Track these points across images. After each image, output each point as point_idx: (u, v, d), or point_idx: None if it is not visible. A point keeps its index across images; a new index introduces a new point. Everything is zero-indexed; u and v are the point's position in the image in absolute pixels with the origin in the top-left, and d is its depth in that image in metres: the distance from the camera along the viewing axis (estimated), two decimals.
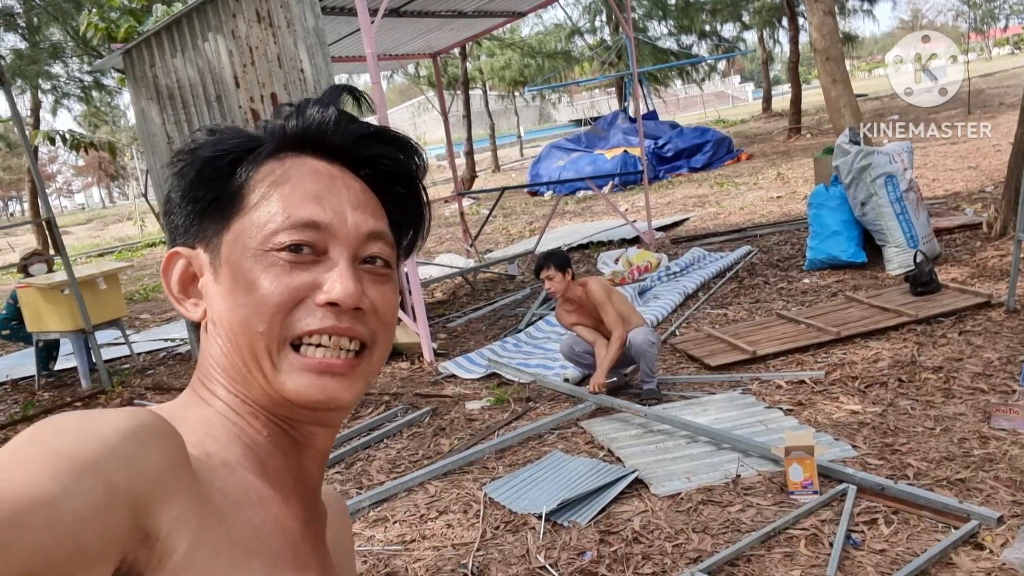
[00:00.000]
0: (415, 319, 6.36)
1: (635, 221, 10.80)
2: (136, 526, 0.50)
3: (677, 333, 6.24)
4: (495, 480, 3.99)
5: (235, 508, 0.60)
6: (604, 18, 25.98)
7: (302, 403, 0.67)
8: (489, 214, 11.23)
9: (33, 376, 7.53)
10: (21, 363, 8.28)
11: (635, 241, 10.28)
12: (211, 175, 0.69)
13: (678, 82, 33.08)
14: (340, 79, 9.03)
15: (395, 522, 3.74)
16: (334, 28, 8.63)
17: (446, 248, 12.81)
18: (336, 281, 0.66)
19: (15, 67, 14.38)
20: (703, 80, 30.54)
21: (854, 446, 3.82)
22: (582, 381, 5.27)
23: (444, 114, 10.92)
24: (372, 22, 5.91)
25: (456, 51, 22.07)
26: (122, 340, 7.95)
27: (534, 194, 19.77)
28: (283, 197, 0.68)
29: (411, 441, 4.79)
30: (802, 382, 4.75)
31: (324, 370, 0.66)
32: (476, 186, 23.30)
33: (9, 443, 0.50)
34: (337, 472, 4.49)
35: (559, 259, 5.00)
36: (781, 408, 4.44)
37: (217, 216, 0.69)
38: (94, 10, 12.05)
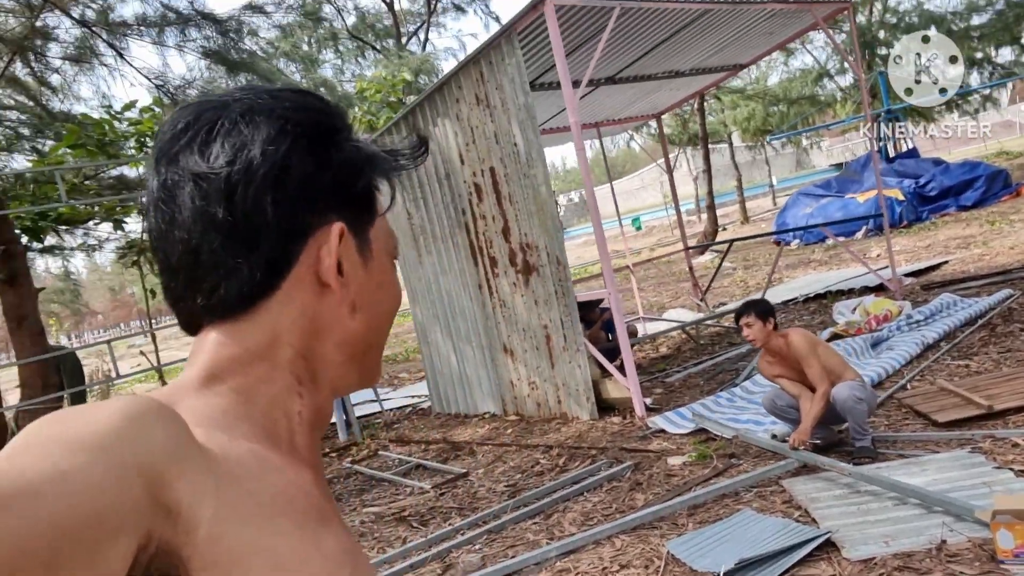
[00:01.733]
0: (625, 374, 6.46)
1: (881, 268, 10.07)
2: (154, 501, 0.50)
3: (908, 387, 5.75)
4: (681, 536, 3.97)
5: (253, 475, 0.61)
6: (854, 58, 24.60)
7: (375, 382, 0.80)
8: (718, 267, 11.04)
9: None
10: None
11: (879, 289, 9.58)
12: (371, 171, 0.75)
13: (954, 114, 30.29)
14: (556, 150, 9.45)
15: (577, 573, 3.85)
16: (553, 102, 9.14)
17: (681, 303, 12.74)
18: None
19: None
20: (976, 111, 27.66)
21: None
22: None
23: (669, 172, 11.02)
24: (577, 94, 6.27)
25: (694, 105, 22.10)
26: (374, 399, 8.83)
27: (779, 244, 19.05)
28: (388, 219, 0.80)
29: (608, 495, 4.87)
30: None
31: None
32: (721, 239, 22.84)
33: (16, 436, 0.52)
34: (534, 523, 4.69)
35: (760, 307, 4.89)
36: (1013, 469, 3.97)
37: (366, 208, 0.75)
38: (361, 105, 13.79)
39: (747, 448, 5.13)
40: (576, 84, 6.52)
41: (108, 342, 7.10)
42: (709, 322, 9.97)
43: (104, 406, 0.53)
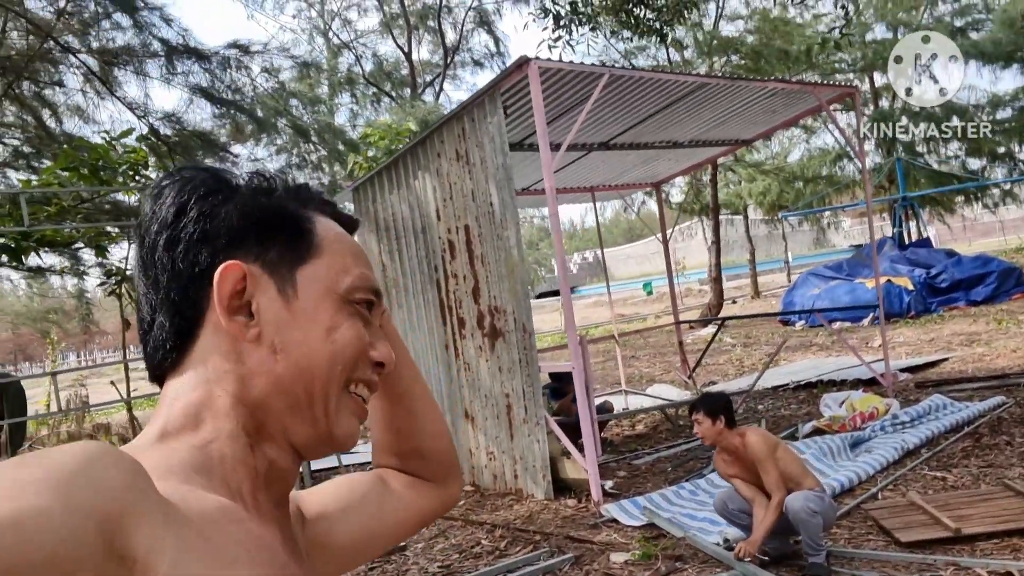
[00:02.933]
0: (584, 455, 6.11)
1: (876, 360, 9.70)
2: (110, 548, 0.48)
3: (880, 496, 5.37)
4: None
5: (214, 524, 0.59)
6: (874, 143, 24.53)
7: (342, 442, 0.73)
8: (709, 344, 10.69)
9: None
10: None
11: (871, 383, 9.20)
12: (287, 211, 0.74)
13: (976, 206, 30.05)
14: (573, 209, 9.19)
15: None
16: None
17: (671, 378, 12.36)
18: (384, 345, 0.76)
19: None
20: (996, 205, 27.41)
21: None
22: None
23: (665, 243, 10.78)
24: (557, 158, 6.07)
25: (708, 175, 21.99)
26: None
27: (786, 324, 18.67)
28: (352, 256, 0.76)
29: None
30: (1009, 574, 3.82)
31: (359, 415, 0.75)
32: (726, 314, 22.51)
33: None
34: None
35: (711, 403, 4.56)
36: None
37: (289, 247, 0.72)
38: (364, 152, 13.76)
39: (696, 551, 4.76)
40: (556, 148, 6.32)
41: (54, 374, 6.83)
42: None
43: (64, 450, 0.52)
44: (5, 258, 8.68)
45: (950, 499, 4.90)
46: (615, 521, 5.55)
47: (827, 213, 30.30)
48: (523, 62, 5.83)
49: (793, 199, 25.86)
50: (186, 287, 0.69)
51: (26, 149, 12.33)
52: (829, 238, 53.37)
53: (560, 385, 7.93)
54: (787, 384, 10.11)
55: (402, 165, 7.49)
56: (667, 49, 20.53)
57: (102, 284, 9.95)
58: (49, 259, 11.14)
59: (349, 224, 0.81)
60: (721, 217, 24.61)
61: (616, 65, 10.05)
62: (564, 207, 9.75)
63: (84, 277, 11.42)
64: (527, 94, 6.63)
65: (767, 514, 4.28)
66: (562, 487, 6.41)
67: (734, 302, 34.05)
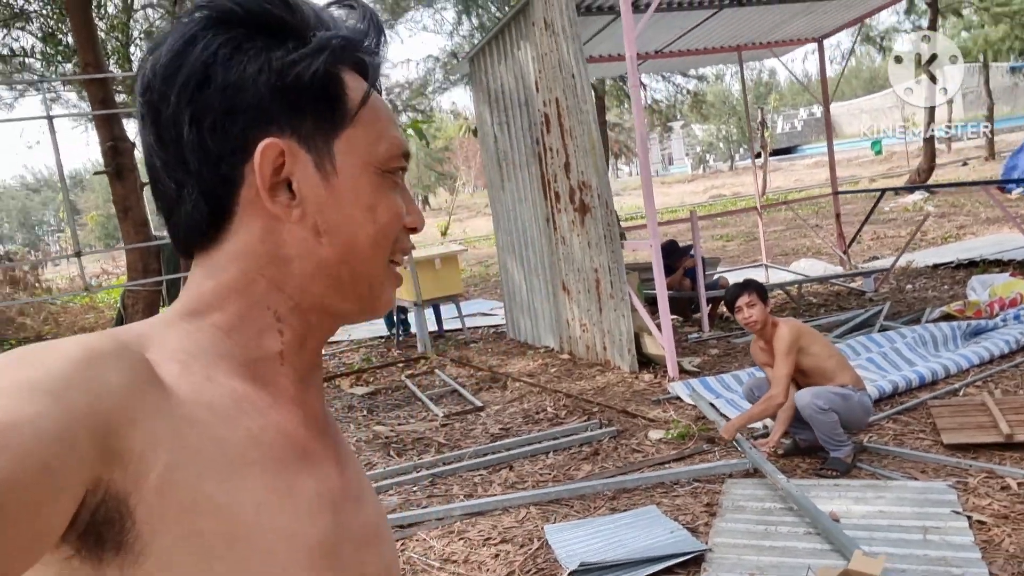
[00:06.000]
0: (661, 330, 6.09)
1: None
2: (104, 448, 0.49)
3: (962, 393, 4.94)
4: (565, 522, 3.79)
5: (225, 420, 0.58)
6: None
7: (381, 311, 0.71)
8: (867, 217, 9.84)
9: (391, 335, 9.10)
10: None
11: None
12: (318, 74, 0.65)
13: None
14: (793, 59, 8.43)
15: (461, 539, 3.81)
16: (675, 23, 8.39)
17: (825, 251, 11.57)
18: (414, 208, 0.71)
19: None
20: None
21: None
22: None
23: (826, 105, 9.86)
24: (644, 19, 5.75)
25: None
26: (457, 315, 9.03)
27: (1002, 190, 16.55)
28: (384, 120, 0.69)
29: (565, 458, 4.72)
30: None
31: (398, 282, 0.72)
32: (937, 180, 20.26)
33: None
34: (478, 474, 4.66)
35: (755, 284, 4.38)
36: (972, 517, 3.35)
37: (321, 115, 0.65)
38: None
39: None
40: (642, 9, 5.97)
41: None
42: (837, 280, 9.04)
43: (60, 347, 0.52)
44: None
45: None
46: (678, 398, 5.57)
47: None
48: None
49: None
50: (217, 165, 0.63)
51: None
52: None
53: (669, 261, 7.78)
54: (950, 262, 9.18)
55: (507, 34, 7.40)
56: None
57: None
58: None
59: (374, 74, 0.72)
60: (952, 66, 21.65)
61: None
62: (794, 54, 9.12)
63: None
64: None
65: (755, 405, 4.22)
66: (645, 361, 6.46)
67: (965, 164, 30.47)
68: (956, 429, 4.21)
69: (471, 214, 42.29)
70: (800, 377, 4.29)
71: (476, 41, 14.04)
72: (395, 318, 9.05)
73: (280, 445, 0.61)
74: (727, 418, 4.88)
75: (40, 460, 0.44)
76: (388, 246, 0.69)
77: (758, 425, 4.66)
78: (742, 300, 4.37)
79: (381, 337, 9.56)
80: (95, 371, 0.50)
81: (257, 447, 0.59)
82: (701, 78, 20.63)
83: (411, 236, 0.72)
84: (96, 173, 8.75)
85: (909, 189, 17.74)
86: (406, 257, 0.75)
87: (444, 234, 29.85)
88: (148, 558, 0.51)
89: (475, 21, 15.29)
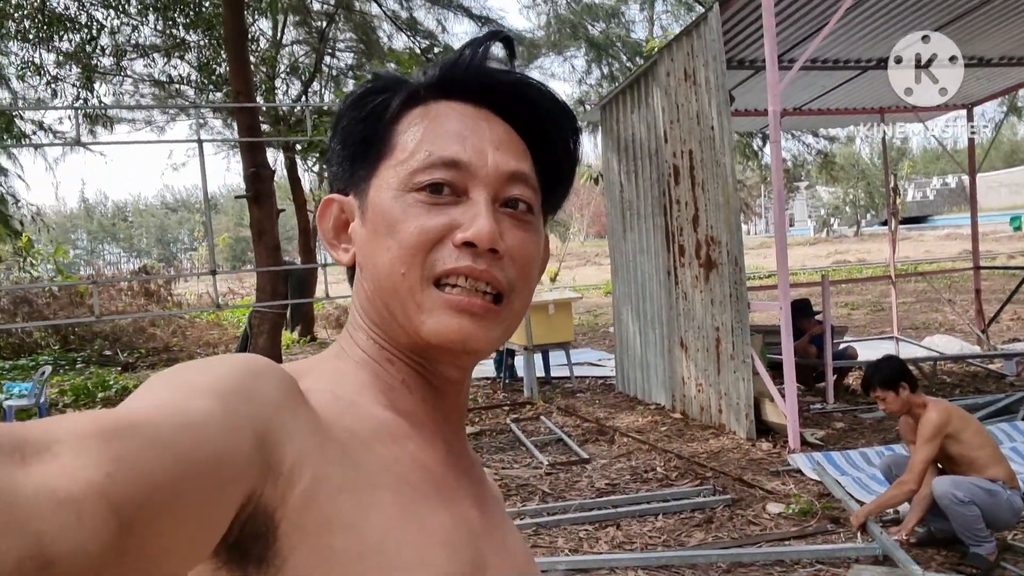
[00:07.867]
0: (784, 398, 5.79)
1: None
2: (262, 456, 0.50)
3: None
4: None
5: (364, 445, 0.59)
6: None
7: (439, 342, 0.65)
8: (1011, 295, 9.18)
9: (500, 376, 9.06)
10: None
11: None
12: (364, 117, 0.69)
13: None
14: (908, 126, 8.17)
15: None
16: (812, 81, 8.17)
17: (959, 328, 10.83)
18: (474, 220, 0.64)
19: None
20: None
21: None
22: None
23: (972, 176, 9.34)
24: (788, 76, 5.60)
25: None
26: (565, 363, 8.91)
27: None
28: (425, 137, 0.67)
29: (676, 523, 4.50)
30: None
31: (463, 309, 0.64)
32: None
33: (142, 384, 0.52)
34: (584, 529, 4.50)
35: (883, 374, 4.04)
36: None
37: (367, 160, 0.69)
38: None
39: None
40: (786, 65, 5.80)
41: (323, 266, 8.04)
42: (975, 361, 8.43)
43: (225, 360, 0.55)
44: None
45: None
46: (799, 472, 5.26)
47: None
48: None
49: None
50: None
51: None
52: None
53: (797, 322, 7.44)
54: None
55: (643, 83, 7.36)
56: None
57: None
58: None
59: (463, 86, 0.70)
60: None
61: None
62: (932, 122, 8.87)
63: None
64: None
65: (887, 491, 3.91)
66: (764, 429, 6.15)
67: None
68: None
69: (580, 262, 42.26)
70: (947, 464, 3.97)
71: (603, 90, 14.15)
72: (504, 361, 9.01)
73: (414, 474, 0.61)
74: (853, 497, 4.56)
75: (214, 451, 0.45)
76: (416, 266, 0.64)
77: (889, 510, 4.32)
78: (873, 394, 4.12)
79: (488, 378, 9.54)
80: (258, 383, 0.52)
81: (388, 472, 0.59)
82: (832, 139, 19.97)
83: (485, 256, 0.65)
84: (237, 197, 9.21)
85: None
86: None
87: (553, 280, 29.92)
88: (286, 575, 0.51)
89: (605, 70, 15.45)
